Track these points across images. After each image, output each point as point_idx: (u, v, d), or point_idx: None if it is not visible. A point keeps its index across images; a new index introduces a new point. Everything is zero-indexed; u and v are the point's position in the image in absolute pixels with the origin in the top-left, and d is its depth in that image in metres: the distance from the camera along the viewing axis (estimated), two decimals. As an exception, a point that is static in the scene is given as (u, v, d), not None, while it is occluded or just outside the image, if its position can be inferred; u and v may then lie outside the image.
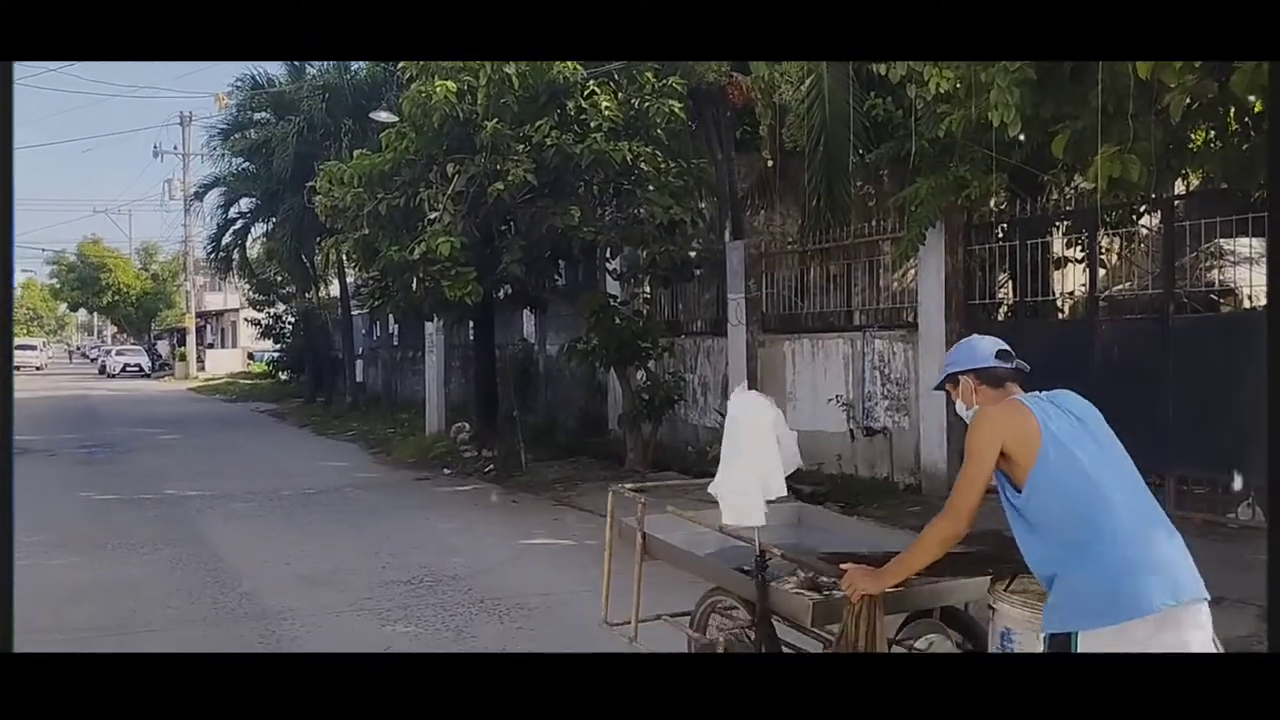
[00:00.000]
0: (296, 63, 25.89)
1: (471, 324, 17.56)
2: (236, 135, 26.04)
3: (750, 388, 12.02)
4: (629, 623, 4.92)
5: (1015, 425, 3.33)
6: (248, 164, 26.32)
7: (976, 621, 3.96)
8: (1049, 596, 3.27)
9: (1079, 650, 3.13)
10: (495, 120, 12.05)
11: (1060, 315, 11.13)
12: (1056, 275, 11.29)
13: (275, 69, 26.73)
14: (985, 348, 3.69)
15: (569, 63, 11.91)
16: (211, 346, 56.90)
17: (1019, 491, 3.30)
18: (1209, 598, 3.20)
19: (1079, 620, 3.15)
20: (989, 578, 3.75)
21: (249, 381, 41.03)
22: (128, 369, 54.83)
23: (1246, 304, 9.72)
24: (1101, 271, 10.70)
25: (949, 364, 3.74)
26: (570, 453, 15.13)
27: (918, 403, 10.92)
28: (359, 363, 29.06)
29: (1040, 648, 3.33)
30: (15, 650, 2.67)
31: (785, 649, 4.17)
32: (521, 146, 12.06)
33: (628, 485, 5.27)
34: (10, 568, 2.64)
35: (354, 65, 24.46)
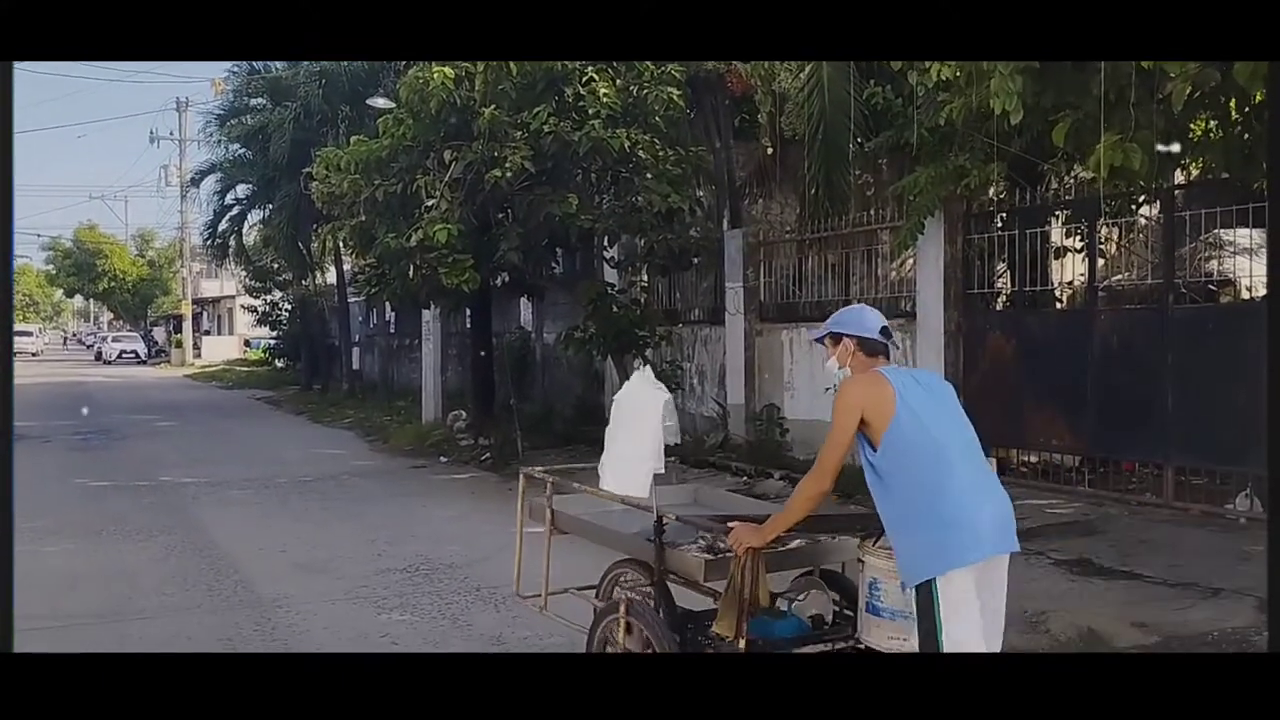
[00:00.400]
0: (293, 50, 25.75)
1: (468, 312, 17.52)
2: (233, 121, 25.93)
3: (748, 377, 12.50)
4: (539, 595, 5.27)
5: (874, 394, 3.79)
6: (244, 150, 26.23)
7: (850, 580, 4.40)
8: (895, 549, 3.78)
9: (939, 594, 3.61)
10: (493, 107, 12.00)
11: (1059, 305, 11.12)
12: (1056, 265, 11.27)
13: (272, 55, 26.62)
14: (872, 320, 4.07)
15: (567, 50, 11.85)
16: (208, 333, 56.82)
17: (875, 450, 3.79)
18: (1015, 547, 3.81)
19: (931, 567, 3.64)
20: (860, 537, 4.17)
21: (245, 368, 40.98)
22: (124, 355, 54.78)
23: (1245, 295, 9.70)
24: (1101, 261, 10.68)
25: (837, 323, 4.10)
26: (567, 441, 15.10)
27: (915, 392, 10.89)
28: (355, 350, 29.01)
29: (900, 594, 3.82)
30: (15, 648, 2.66)
31: (680, 608, 4.59)
32: (519, 134, 12.01)
33: (538, 468, 5.67)
34: (10, 568, 2.62)
35: (351, 51, 24.33)
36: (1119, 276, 11.14)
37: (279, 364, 37.00)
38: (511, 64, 11.93)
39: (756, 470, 11.91)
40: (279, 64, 25.80)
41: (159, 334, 61.26)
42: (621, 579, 4.95)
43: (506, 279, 14.93)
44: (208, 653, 5.99)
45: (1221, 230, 9.92)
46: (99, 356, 56.54)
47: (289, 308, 33.85)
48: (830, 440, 3.82)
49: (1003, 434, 10.45)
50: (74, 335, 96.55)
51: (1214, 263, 10.13)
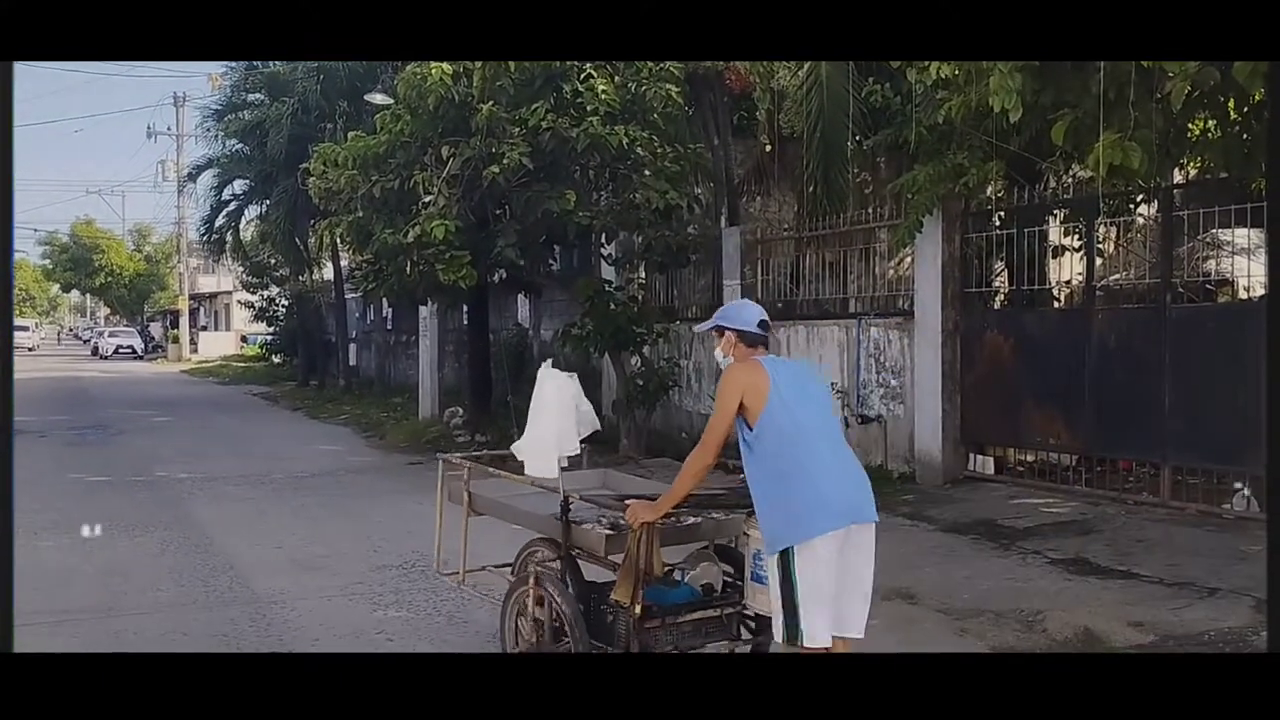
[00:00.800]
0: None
1: (465, 308, 17.50)
2: (230, 116, 25.88)
3: None
4: (458, 572, 5.77)
5: (752, 381, 4.26)
6: (242, 145, 26.17)
7: (740, 553, 4.81)
8: (759, 519, 4.26)
9: (795, 560, 4.09)
10: (491, 103, 11.97)
11: (1057, 304, 11.11)
12: (1054, 264, 11.27)
13: (270, 50, 26.57)
14: (751, 315, 4.51)
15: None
16: (204, 329, 56.79)
17: (750, 430, 4.24)
18: (874, 517, 4.26)
19: (790, 535, 4.12)
20: (746, 513, 4.58)
21: (242, 364, 40.96)
22: (120, 351, 54.70)
23: (1243, 294, 9.70)
24: (1099, 260, 10.67)
25: (722, 317, 4.57)
26: (564, 438, 15.09)
27: (913, 391, 10.89)
28: (352, 346, 28.98)
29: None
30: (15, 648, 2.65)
31: (587, 579, 5.03)
32: (517, 130, 11.99)
33: (457, 454, 6.08)
34: (10, 570, 2.61)
35: (349, 48, 24.30)
36: (1117, 276, 11.14)
37: (276, 360, 36.96)
38: (510, 61, 11.90)
39: (753, 468, 11.90)
40: (277, 60, 25.76)
41: (155, 329, 61.23)
42: (534, 555, 5.27)
43: (504, 275, 14.90)
44: (207, 653, 5.98)
45: (1220, 230, 9.91)
46: (95, 352, 56.45)
47: (286, 303, 33.81)
48: (713, 420, 4.32)
49: (1000, 433, 10.47)
50: (70, 330, 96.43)
51: (1212, 262, 10.13)
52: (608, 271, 14.82)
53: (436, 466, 6.03)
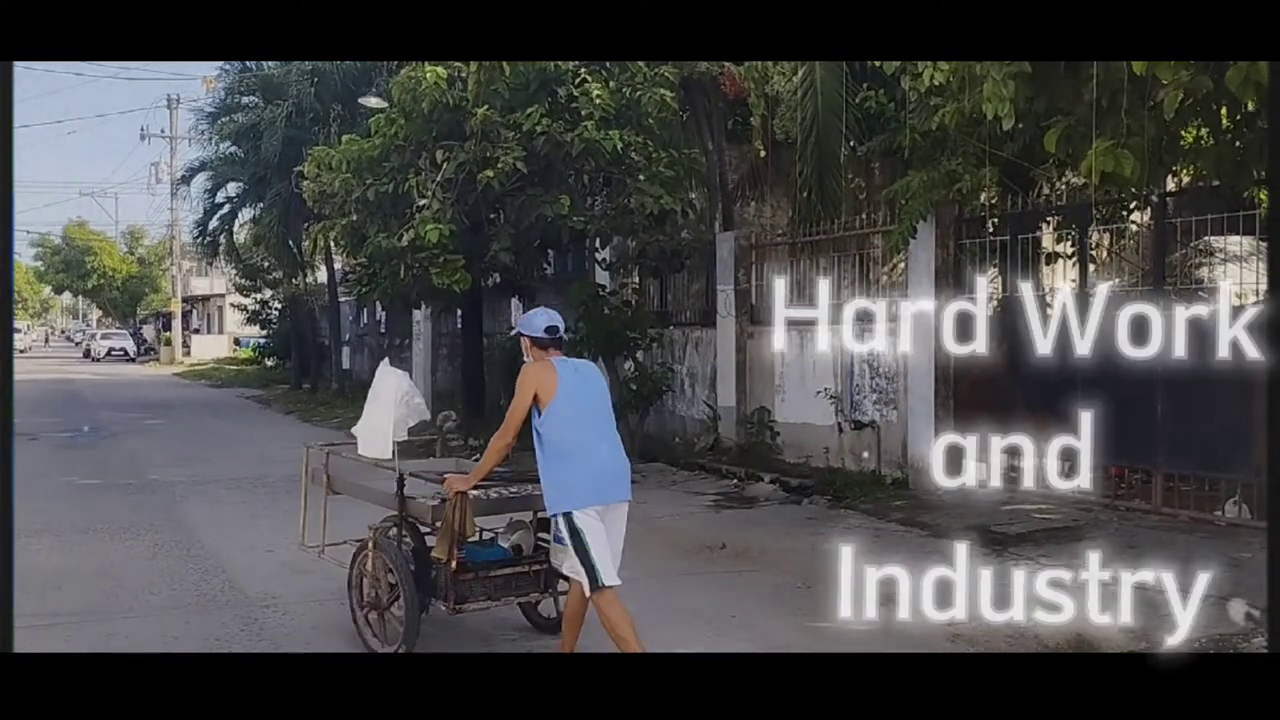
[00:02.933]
0: (286, 48, 25.72)
1: (459, 312, 17.49)
2: (224, 119, 25.83)
3: (739, 379, 12.76)
4: (318, 545, 6.58)
5: (543, 377, 5.27)
6: (235, 148, 26.15)
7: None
8: (543, 488, 5.30)
9: (577, 521, 5.13)
10: (485, 107, 11.98)
11: (1050, 310, 11.12)
12: (1047, 270, 11.29)
13: (264, 53, 26.59)
14: (540, 323, 5.46)
15: (561, 50, 11.85)
16: (197, 332, 56.65)
17: (540, 417, 5.24)
18: (629, 497, 5.43)
19: (567, 503, 5.19)
20: None
21: (235, 367, 40.86)
22: (112, 353, 54.52)
23: (1235, 302, 9.72)
24: (1091, 267, 10.69)
25: (521, 325, 5.56)
26: (557, 442, 15.09)
27: (905, 396, 10.91)
28: (346, 349, 28.94)
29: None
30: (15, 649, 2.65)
31: (419, 544, 5.93)
32: (512, 134, 12.00)
33: (320, 442, 7.06)
34: (10, 570, 2.61)
35: (344, 51, 24.31)
36: (1110, 282, 11.16)
37: (269, 363, 36.89)
38: (505, 64, 11.91)
39: (747, 473, 11.91)
40: (271, 62, 25.75)
41: (148, 332, 61.06)
42: (384, 529, 6.06)
43: (498, 279, 14.91)
44: (206, 653, 5.97)
45: (1212, 237, 9.95)
46: (87, 354, 56.27)
47: (279, 306, 33.75)
48: (512, 408, 5.33)
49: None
50: (62, 332, 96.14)
51: (1205, 269, 10.15)
52: (602, 276, 14.83)
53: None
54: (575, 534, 5.14)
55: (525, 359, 5.49)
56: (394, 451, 5.93)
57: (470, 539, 5.64)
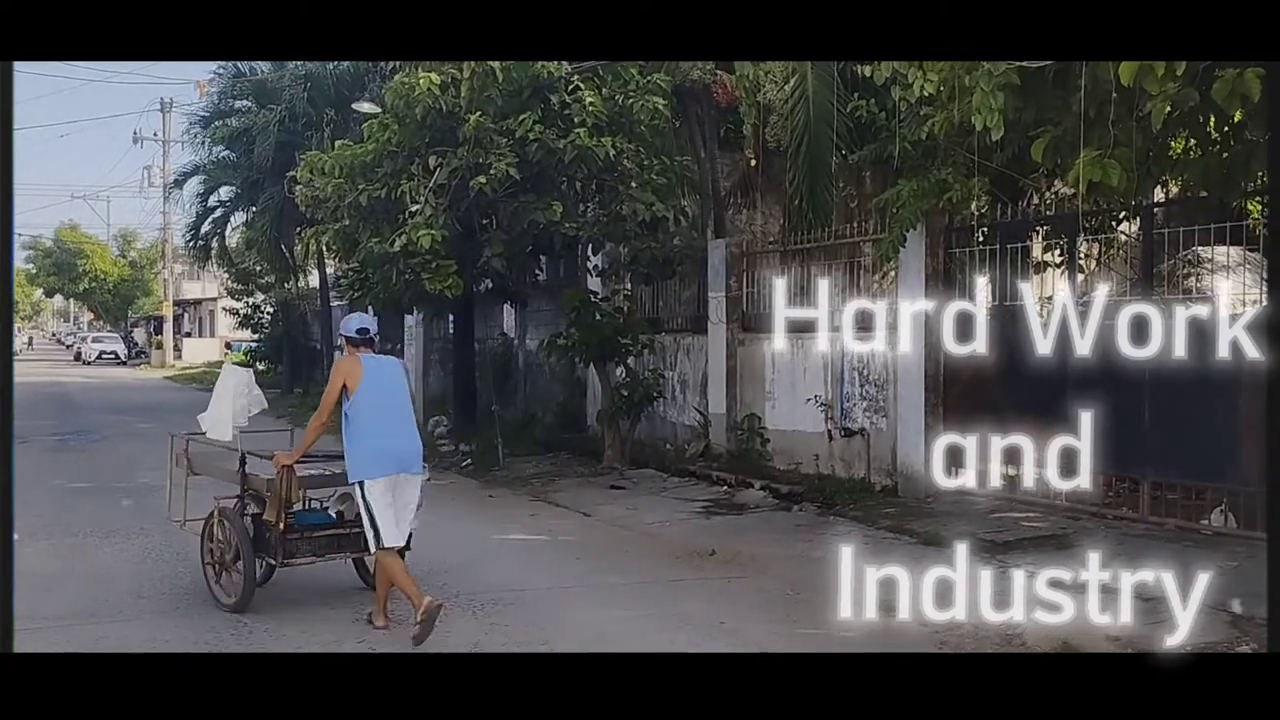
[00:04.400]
0: (280, 51, 25.77)
1: (451, 317, 17.52)
2: (217, 123, 25.86)
3: (729, 386, 12.89)
4: (181, 519, 7.78)
5: (351, 369, 6.51)
6: (228, 152, 26.15)
7: None
8: (346, 461, 6.49)
9: (367, 491, 6.33)
10: (478, 114, 12.01)
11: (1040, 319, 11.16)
12: (1036, 279, 11.33)
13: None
14: (353, 325, 6.81)
15: (554, 57, 11.89)
16: (189, 335, 56.48)
17: (348, 401, 6.44)
18: (419, 472, 6.59)
19: (361, 474, 6.38)
20: None
21: (226, 371, 40.71)
22: (103, 356, 54.35)
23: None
24: (1080, 276, 10.74)
25: (340, 326, 7.06)
26: (548, 449, 15.11)
27: (895, 404, 10.94)
28: (337, 354, 28.87)
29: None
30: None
31: (261, 508, 7.01)
32: (504, 140, 12.03)
33: (185, 433, 8.15)
34: (10, 570, 2.63)
35: (338, 56, 24.35)
36: (1100, 289, 11.20)
37: (260, 367, 36.76)
38: (498, 71, 11.94)
39: (737, 480, 11.94)
40: (264, 66, 25.77)
41: (139, 335, 60.88)
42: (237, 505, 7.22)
43: (490, 285, 14.94)
44: (205, 653, 5.99)
45: (1200, 247, 10.00)
46: (78, 357, 56.08)
47: (271, 311, 33.70)
48: (325, 394, 6.69)
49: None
50: (53, 335, 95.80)
51: (1192, 280, 10.21)
52: (594, 282, 14.86)
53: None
54: (365, 500, 6.33)
55: (340, 354, 7.02)
56: (235, 435, 7.29)
57: (296, 506, 6.91)
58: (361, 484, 6.34)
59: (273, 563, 6.93)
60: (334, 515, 7.13)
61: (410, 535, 6.56)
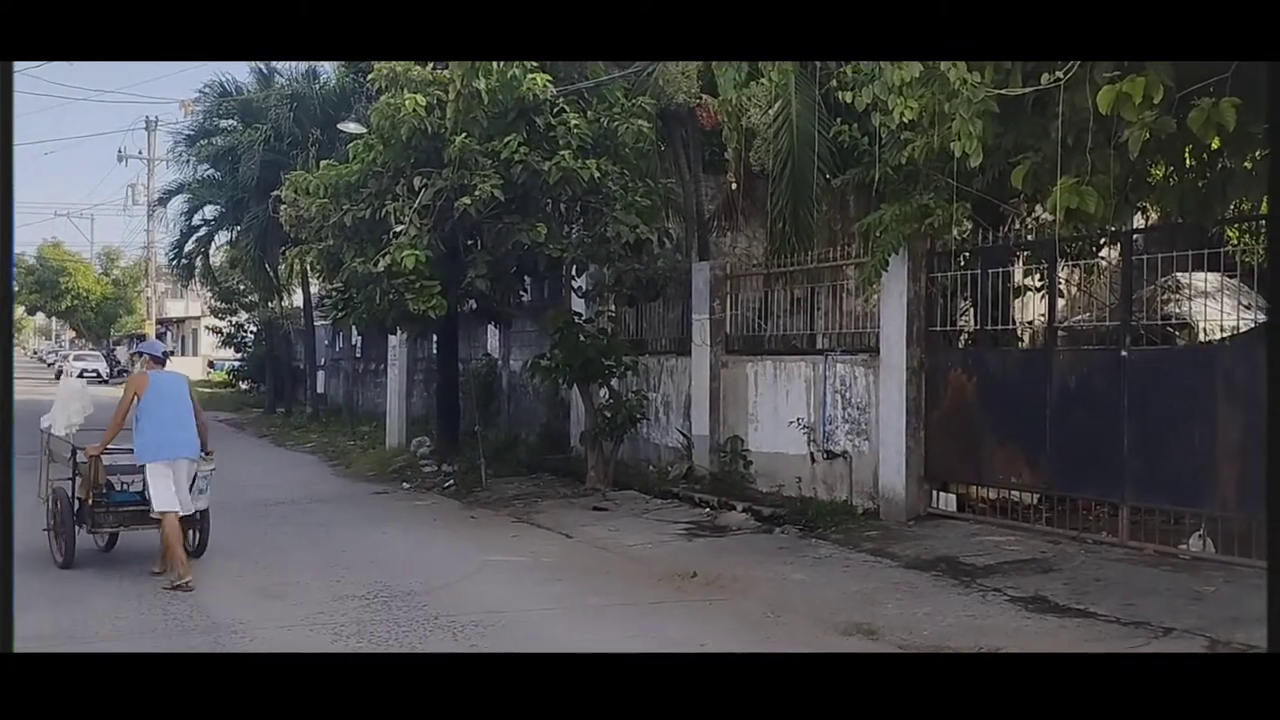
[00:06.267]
0: (265, 71, 25.82)
1: (435, 338, 17.50)
2: (203, 141, 25.84)
3: (713, 408, 13.04)
4: (41, 495, 9.51)
5: (141, 382, 8.67)
6: (213, 171, 26.13)
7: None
8: (135, 450, 8.59)
9: (149, 472, 8.49)
10: (464, 135, 12.05)
11: (1020, 344, 11.24)
12: (1017, 304, 11.40)
13: (244, 77, 26.73)
14: (156, 349, 9.60)
15: (539, 80, 11.93)
16: (171, 354, 56.22)
17: (139, 405, 8.52)
18: (193, 457, 8.71)
19: (145, 457, 8.47)
20: (202, 457, 8.98)
21: (209, 390, 40.49)
22: (85, 374, 53.97)
23: (1202, 337, 9.87)
24: (1061, 301, 10.82)
25: (142, 347, 10.64)
26: (531, 470, 15.09)
27: (878, 427, 10.98)
28: (321, 374, 28.84)
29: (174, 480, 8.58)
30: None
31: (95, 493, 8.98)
32: (489, 162, 12.06)
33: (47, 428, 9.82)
34: (10, 569, 2.62)
35: (323, 75, 24.42)
36: (1079, 317, 11.29)
37: (243, 386, 36.71)
38: (483, 93, 11.98)
39: (719, 502, 11.94)
40: (250, 86, 25.78)
41: (122, 353, 60.54)
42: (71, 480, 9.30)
43: (474, 306, 14.94)
44: (204, 653, 5.98)
45: (1179, 274, 10.10)
46: (59, 375, 55.67)
47: (254, 330, 33.61)
48: (121, 400, 8.72)
49: (963, 470, 10.56)
50: (34, 353, 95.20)
51: (1171, 305, 10.29)
52: (578, 304, 14.88)
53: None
54: (147, 477, 8.54)
55: (137, 369, 9.42)
56: (68, 432, 9.43)
57: (118, 487, 9.14)
58: (145, 466, 8.52)
59: (89, 532, 9.10)
60: (140, 495, 8.85)
61: (206, 511, 9.08)
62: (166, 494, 8.38)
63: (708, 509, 11.87)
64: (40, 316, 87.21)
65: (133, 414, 8.55)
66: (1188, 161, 7.66)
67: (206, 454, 8.87)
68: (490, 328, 19.04)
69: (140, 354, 9.70)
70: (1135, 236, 9.60)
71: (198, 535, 9.19)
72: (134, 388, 8.66)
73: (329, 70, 24.41)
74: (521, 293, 15.59)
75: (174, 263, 29.93)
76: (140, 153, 48.58)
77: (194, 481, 8.74)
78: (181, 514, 8.49)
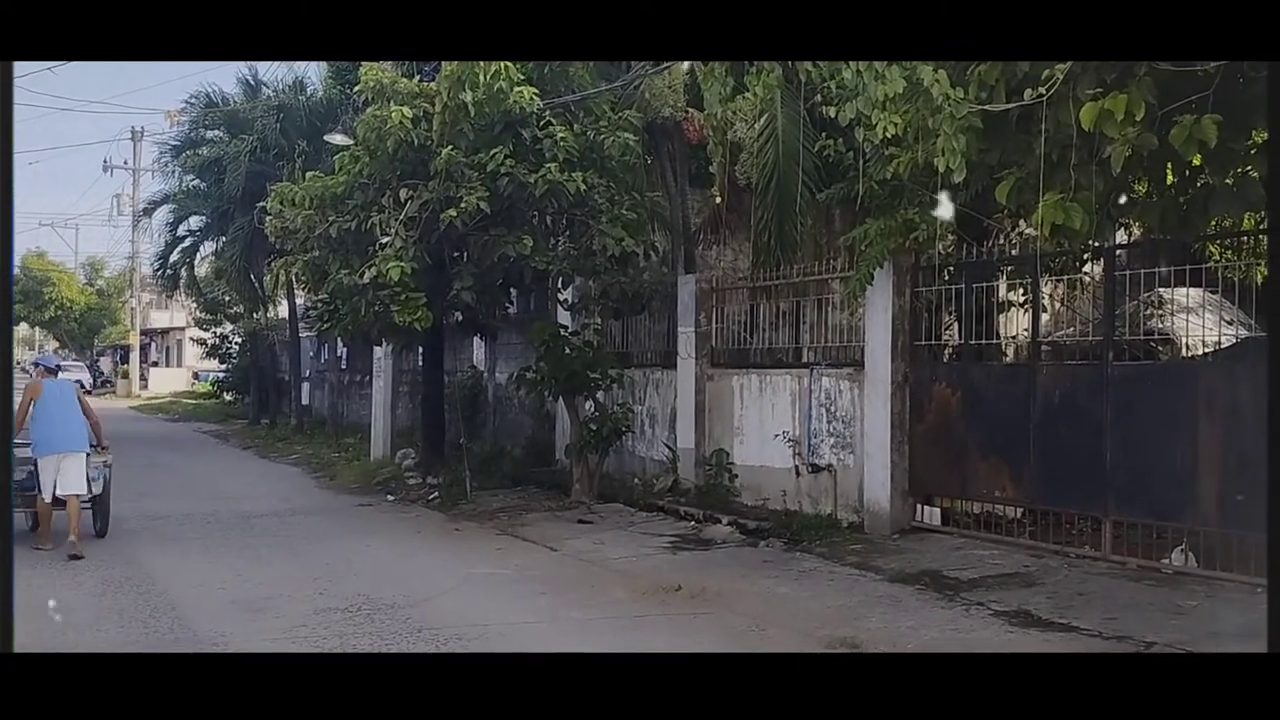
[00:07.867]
0: (252, 81, 25.81)
1: (421, 349, 17.47)
2: (188, 152, 25.76)
3: (698, 421, 12.97)
4: None
5: (36, 388, 10.41)
6: (199, 181, 26.08)
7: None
8: (32, 446, 10.17)
9: (38, 464, 10.17)
10: (450, 147, 12.05)
11: (1004, 358, 11.28)
12: (1001, 319, 11.44)
13: (230, 87, 26.64)
14: (50, 361, 11.93)
15: (526, 93, 11.94)
16: (155, 365, 56.00)
17: (34, 408, 10.21)
18: (80, 451, 10.34)
19: (36, 452, 10.14)
20: (96, 450, 10.71)
21: (193, 401, 40.42)
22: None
23: (1185, 352, 9.92)
24: (1045, 316, 10.87)
25: (41, 359, 12.32)
26: (516, 482, 15.05)
27: (862, 441, 10.99)
28: (306, 385, 28.74)
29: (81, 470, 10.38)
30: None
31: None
32: (476, 174, 12.06)
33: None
34: (10, 568, 2.61)
35: (309, 87, 24.41)
36: (1062, 332, 11.34)
37: (228, 397, 36.55)
38: (470, 105, 11.99)
39: (705, 515, 11.94)
40: (237, 96, 25.75)
41: (105, 364, 60.32)
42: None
43: (460, 318, 14.93)
44: (207, 652, 5.96)
45: (1162, 289, 10.15)
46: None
47: (239, 341, 33.50)
48: (19, 404, 9.84)
49: (947, 484, 10.57)
50: (16, 363, 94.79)
51: (1154, 320, 10.34)
52: (564, 316, 14.88)
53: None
54: (35, 469, 10.03)
55: (33, 377, 10.85)
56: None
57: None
58: (35, 459, 10.05)
59: None
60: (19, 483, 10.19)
61: (103, 496, 10.77)
62: (49, 484, 10.08)
63: (693, 522, 11.87)
64: (23, 327, 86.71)
65: (29, 416, 10.14)
66: (1170, 178, 7.70)
67: (102, 448, 10.74)
68: (476, 340, 19.01)
69: (36, 364, 11.46)
70: (1118, 252, 9.65)
71: (99, 519, 10.91)
72: (30, 394, 10.26)
73: (316, 82, 24.45)
74: (507, 305, 15.58)
75: (159, 273, 29.85)
76: (126, 163, 48.67)
77: (89, 472, 10.35)
78: (83, 497, 10.29)
